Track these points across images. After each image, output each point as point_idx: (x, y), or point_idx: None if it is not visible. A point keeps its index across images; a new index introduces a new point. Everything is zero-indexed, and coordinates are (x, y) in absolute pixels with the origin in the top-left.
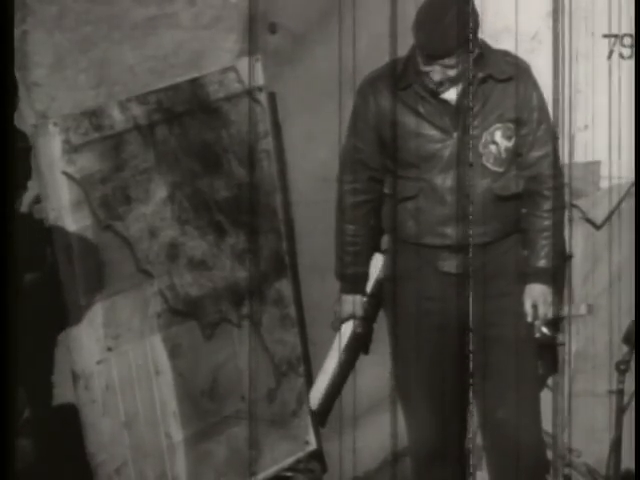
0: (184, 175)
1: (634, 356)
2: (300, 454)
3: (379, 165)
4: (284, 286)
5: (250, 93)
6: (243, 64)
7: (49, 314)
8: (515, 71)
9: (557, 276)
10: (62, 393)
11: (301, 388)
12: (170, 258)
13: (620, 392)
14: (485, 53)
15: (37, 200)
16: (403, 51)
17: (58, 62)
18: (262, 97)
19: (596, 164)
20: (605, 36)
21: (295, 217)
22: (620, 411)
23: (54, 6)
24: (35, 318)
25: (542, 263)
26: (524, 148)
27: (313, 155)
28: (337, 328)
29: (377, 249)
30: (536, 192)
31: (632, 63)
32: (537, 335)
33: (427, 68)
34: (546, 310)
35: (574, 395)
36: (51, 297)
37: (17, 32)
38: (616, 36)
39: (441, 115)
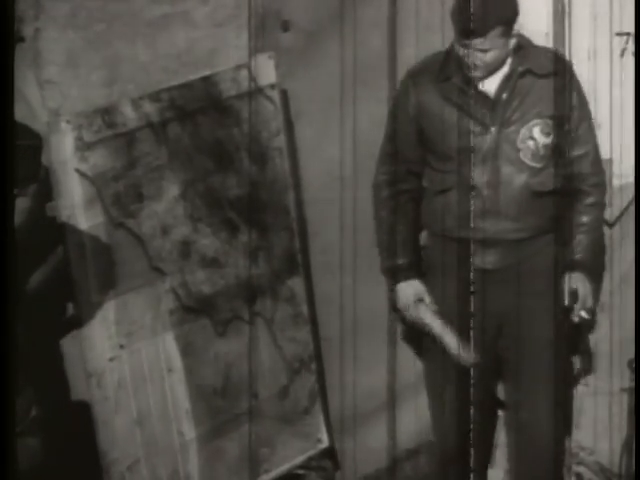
0: (196, 173)
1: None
2: (312, 452)
3: (417, 157)
4: (296, 284)
5: (259, 91)
6: (256, 62)
7: (60, 312)
8: (556, 67)
9: (595, 271)
10: (74, 391)
11: (313, 385)
12: (182, 255)
13: (632, 390)
14: (525, 47)
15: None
16: (404, 48)
17: (71, 60)
18: (274, 95)
19: (609, 162)
20: (618, 34)
21: (307, 215)
22: (632, 409)
23: (67, 4)
24: (45, 316)
25: (578, 256)
26: (564, 146)
27: (325, 153)
28: (412, 316)
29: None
30: (576, 189)
31: None
32: (575, 319)
33: (462, 51)
34: (586, 295)
35: (586, 393)
36: (62, 294)
37: (30, 30)
38: (628, 34)
39: (479, 108)
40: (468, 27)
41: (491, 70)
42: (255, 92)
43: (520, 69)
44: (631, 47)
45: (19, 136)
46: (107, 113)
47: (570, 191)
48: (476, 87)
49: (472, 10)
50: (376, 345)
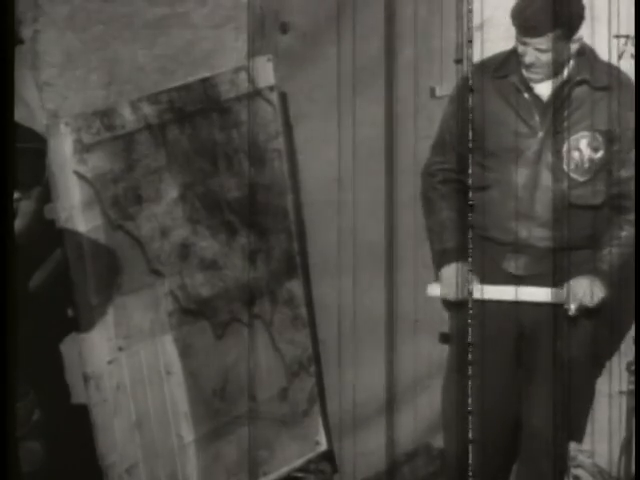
0: (195, 175)
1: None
2: (311, 454)
3: (467, 151)
4: (295, 286)
5: (257, 94)
6: (254, 64)
7: (61, 314)
8: (614, 83)
9: (612, 281)
10: (75, 394)
11: (312, 388)
12: (181, 258)
13: (631, 393)
14: (587, 55)
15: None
16: (402, 50)
17: (69, 62)
18: (273, 97)
19: None
20: (617, 37)
21: (306, 217)
22: (631, 412)
23: (65, 6)
24: (47, 319)
25: (604, 266)
26: (614, 165)
27: (324, 155)
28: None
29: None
30: (619, 205)
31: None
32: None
33: (521, 49)
34: (584, 293)
35: None
36: (62, 297)
37: (29, 32)
38: (627, 36)
39: (531, 111)
40: (527, 25)
41: (548, 73)
42: (254, 94)
43: (577, 78)
44: (630, 49)
45: (23, 139)
46: (106, 115)
47: (614, 207)
48: (531, 89)
49: (532, 9)
50: (375, 348)
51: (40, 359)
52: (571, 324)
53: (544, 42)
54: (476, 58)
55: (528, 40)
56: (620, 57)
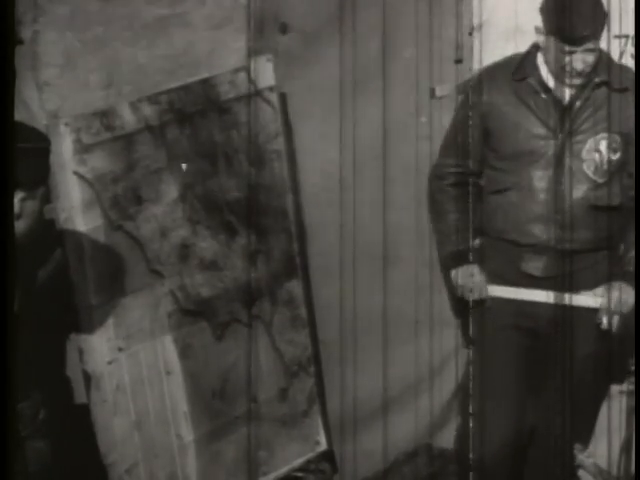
0: (195, 175)
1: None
2: (311, 454)
3: (479, 154)
4: (295, 287)
5: (257, 94)
6: (254, 64)
7: (61, 314)
8: (632, 85)
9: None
10: (78, 393)
11: (312, 388)
12: (181, 258)
13: (631, 393)
14: (604, 59)
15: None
16: (402, 51)
17: (69, 62)
18: (273, 97)
19: None
20: (616, 37)
21: (306, 217)
22: (631, 411)
23: (65, 6)
24: (49, 317)
25: (631, 268)
26: (631, 165)
27: (324, 155)
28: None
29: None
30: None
31: None
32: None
33: (567, 59)
34: (620, 308)
35: None
36: (62, 297)
37: (28, 32)
38: (627, 37)
39: (550, 113)
40: (578, 34)
41: (586, 74)
42: (254, 95)
43: (597, 80)
44: (630, 49)
45: (28, 139)
46: (106, 116)
47: (632, 210)
48: (549, 90)
49: (578, 17)
50: (375, 348)
51: (43, 359)
52: (596, 330)
53: (592, 43)
54: (476, 58)
55: (577, 48)
56: (621, 57)
